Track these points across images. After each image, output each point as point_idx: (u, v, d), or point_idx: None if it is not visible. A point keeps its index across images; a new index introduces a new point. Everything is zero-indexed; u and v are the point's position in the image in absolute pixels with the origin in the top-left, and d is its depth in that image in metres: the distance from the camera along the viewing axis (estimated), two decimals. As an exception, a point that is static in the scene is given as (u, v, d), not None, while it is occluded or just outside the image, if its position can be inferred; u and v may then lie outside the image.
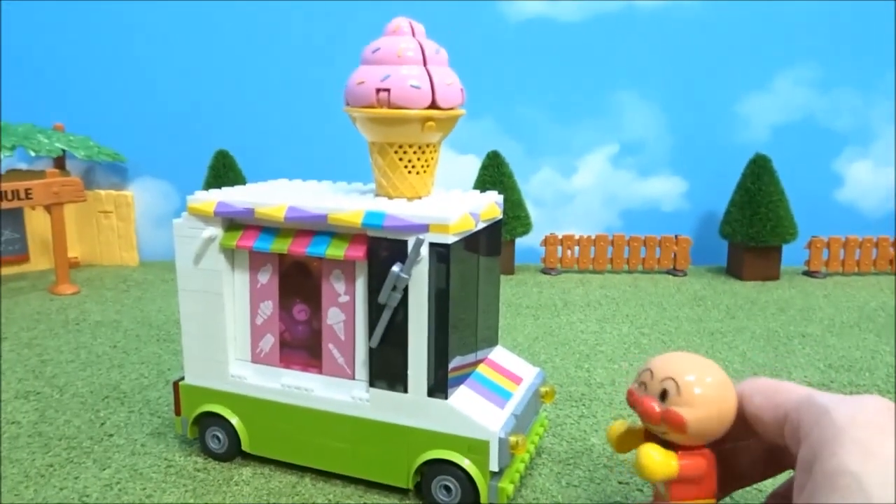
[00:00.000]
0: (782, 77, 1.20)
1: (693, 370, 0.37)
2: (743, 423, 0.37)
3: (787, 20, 1.17)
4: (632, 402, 0.39)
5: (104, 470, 0.52)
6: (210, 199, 0.50)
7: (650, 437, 0.39)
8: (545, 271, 1.15)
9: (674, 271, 1.15)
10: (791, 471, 0.38)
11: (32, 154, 1.09)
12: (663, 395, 0.37)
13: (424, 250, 0.44)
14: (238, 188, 0.54)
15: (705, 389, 0.36)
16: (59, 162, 1.19)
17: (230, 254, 0.51)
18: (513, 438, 0.45)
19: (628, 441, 0.41)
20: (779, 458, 0.39)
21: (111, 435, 0.58)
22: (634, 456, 0.38)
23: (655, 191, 1.24)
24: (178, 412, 0.55)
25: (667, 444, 0.38)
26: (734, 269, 1.14)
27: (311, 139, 1.22)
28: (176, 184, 1.25)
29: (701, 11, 1.17)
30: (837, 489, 0.28)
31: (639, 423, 0.40)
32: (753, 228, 1.08)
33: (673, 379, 0.36)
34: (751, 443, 0.40)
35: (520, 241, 1.16)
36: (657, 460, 0.36)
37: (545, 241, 1.15)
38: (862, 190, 1.23)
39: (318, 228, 0.48)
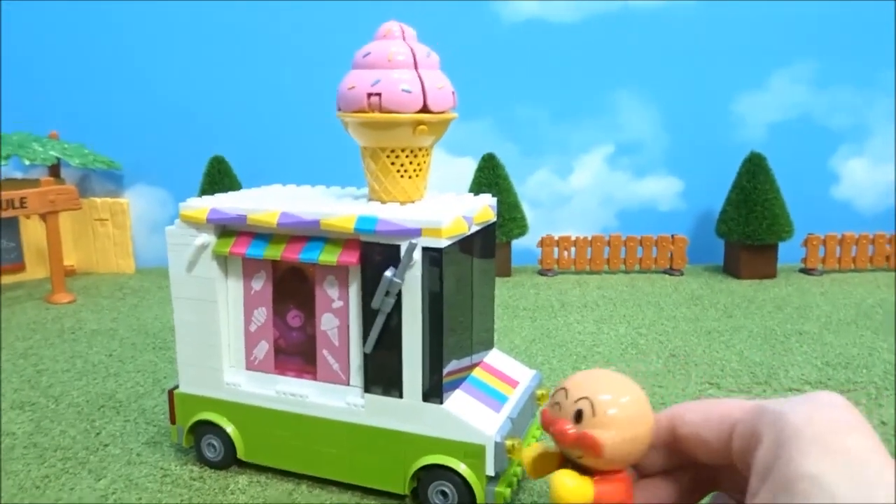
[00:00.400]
0: (778, 75, 1.20)
1: (609, 389, 0.34)
2: (672, 449, 0.35)
3: (783, 19, 1.17)
4: (545, 423, 0.35)
5: (100, 480, 0.52)
6: (202, 206, 0.50)
7: (566, 460, 0.36)
8: (542, 272, 1.15)
9: (670, 271, 1.15)
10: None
11: (27, 163, 1.09)
12: (578, 417, 0.34)
13: (417, 254, 0.44)
14: (231, 194, 0.54)
15: (622, 410, 0.33)
16: (54, 170, 1.18)
17: (223, 261, 0.51)
18: (509, 442, 0.45)
19: (544, 465, 0.38)
20: (706, 483, 0.37)
21: (107, 445, 0.57)
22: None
23: (651, 190, 1.24)
24: (173, 421, 0.54)
25: (582, 469, 0.35)
26: (731, 268, 1.14)
27: (306, 144, 1.22)
28: (172, 190, 1.25)
29: (696, 11, 1.17)
30: (797, 495, 0.27)
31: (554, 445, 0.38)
32: (750, 227, 1.08)
33: (588, 398, 0.34)
34: (675, 471, 0.37)
35: (516, 243, 1.16)
36: (570, 487, 0.34)
37: (542, 243, 1.15)
38: (858, 187, 1.23)
39: (311, 234, 0.48)
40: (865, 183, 1.23)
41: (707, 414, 0.33)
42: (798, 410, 0.29)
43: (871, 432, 0.28)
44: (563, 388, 0.35)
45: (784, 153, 1.15)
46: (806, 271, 1.15)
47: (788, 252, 1.14)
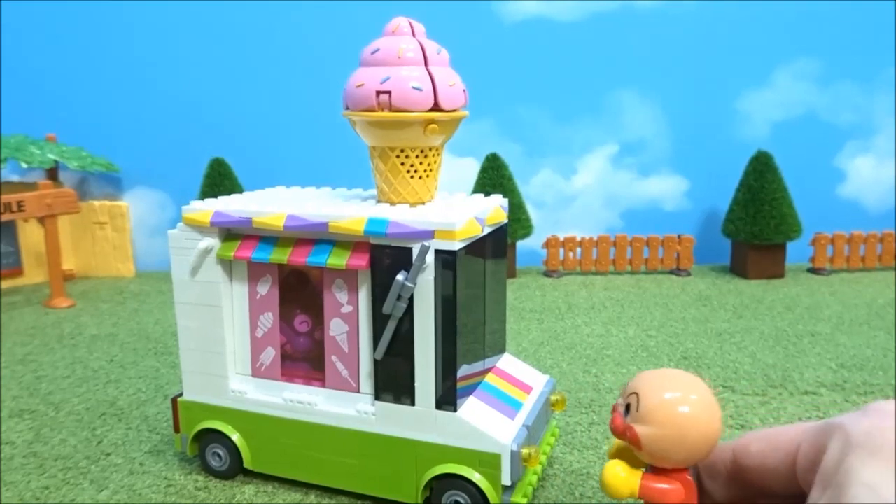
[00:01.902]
0: (782, 72, 1.18)
1: (660, 387, 0.34)
2: (736, 480, 0.35)
3: (786, 15, 1.16)
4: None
5: (101, 491, 0.50)
6: (206, 209, 0.48)
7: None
8: (547, 274, 1.14)
9: (677, 271, 1.14)
10: None
11: (24, 166, 1.08)
12: (627, 410, 0.35)
13: (430, 257, 0.43)
14: (235, 197, 0.53)
15: (664, 407, 0.34)
16: (52, 173, 1.17)
17: (228, 265, 0.50)
18: (525, 451, 0.43)
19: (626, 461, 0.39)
20: None
21: (108, 454, 0.56)
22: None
23: (657, 190, 1.23)
24: (177, 429, 0.53)
25: (647, 465, 0.36)
26: (738, 268, 1.13)
27: (310, 145, 1.20)
28: (171, 193, 1.23)
29: (699, 8, 1.16)
30: (853, 498, 0.27)
31: None
32: (757, 226, 1.07)
33: (636, 394, 0.35)
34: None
35: (521, 244, 1.14)
36: (618, 475, 0.35)
37: (547, 244, 1.14)
38: (865, 185, 1.22)
39: (318, 237, 0.47)
40: (872, 181, 1.22)
41: (773, 442, 0.33)
42: (859, 423, 0.30)
43: None
44: (626, 384, 0.37)
45: (789, 151, 1.14)
46: (814, 271, 1.13)
47: (796, 252, 1.13)
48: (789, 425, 0.34)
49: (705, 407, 0.34)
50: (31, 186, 1.05)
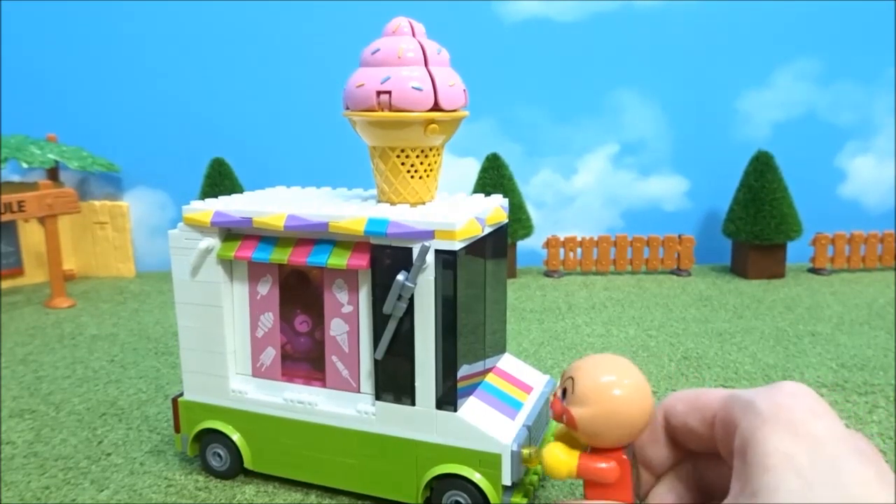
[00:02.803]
0: (782, 72, 1.18)
1: (592, 370, 0.36)
2: (670, 441, 0.37)
3: (786, 15, 1.16)
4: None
5: (102, 491, 0.50)
6: (206, 209, 0.48)
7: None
8: (548, 274, 1.14)
9: (678, 271, 1.14)
10: None
11: (25, 166, 1.08)
12: (563, 393, 0.37)
13: (430, 257, 0.43)
14: (235, 197, 0.53)
15: (599, 389, 0.35)
16: (53, 173, 1.17)
17: (228, 265, 0.50)
18: (525, 451, 0.43)
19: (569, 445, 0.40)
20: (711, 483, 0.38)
21: (109, 454, 0.56)
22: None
23: (657, 190, 1.23)
24: (177, 429, 0.53)
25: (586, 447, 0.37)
26: (739, 268, 1.13)
27: (310, 145, 1.20)
28: (172, 193, 1.23)
29: (699, 8, 1.16)
30: (770, 469, 0.30)
31: None
32: (758, 226, 1.07)
33: (572, 377, 0.36)
34: (683, 471, 0.39)
35: (521, 244, 1.14)
36: (558, 457, 0.37)
37: (547, 244, 1.14)
38: (865, 185, 1.22)
39: (318, 237, 0.47)
40: (872, 181, 1.22)
41: (695, 404, 0.36)
42: (767, 398, 0.33)
43: (833, 418, 0.31)
44: (565, 369, 0.39)
45: (789, 151, 1.13)
46: (815, 271, 1.13)
47: (796, 251, 1.13)
48: (710, 389, 0.36)
49: (636, 388, 0.36)
50: (32, 186, 1.05)
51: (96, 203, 1.18)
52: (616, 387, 0.36)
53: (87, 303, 1.02)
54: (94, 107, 1.20)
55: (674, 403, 0.37)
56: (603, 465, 0.36)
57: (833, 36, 1.16)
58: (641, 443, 0.37)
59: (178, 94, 1.20)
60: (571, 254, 1.14)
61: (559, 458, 0.37)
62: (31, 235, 1.13)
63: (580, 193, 1.23)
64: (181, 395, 0.53)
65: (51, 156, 1.11)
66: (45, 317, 0.95)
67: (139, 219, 1.23)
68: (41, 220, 0.99)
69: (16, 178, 1.19)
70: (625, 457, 0.37)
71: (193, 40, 1.18)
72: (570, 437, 0.39)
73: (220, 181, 1.13)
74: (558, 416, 0.37)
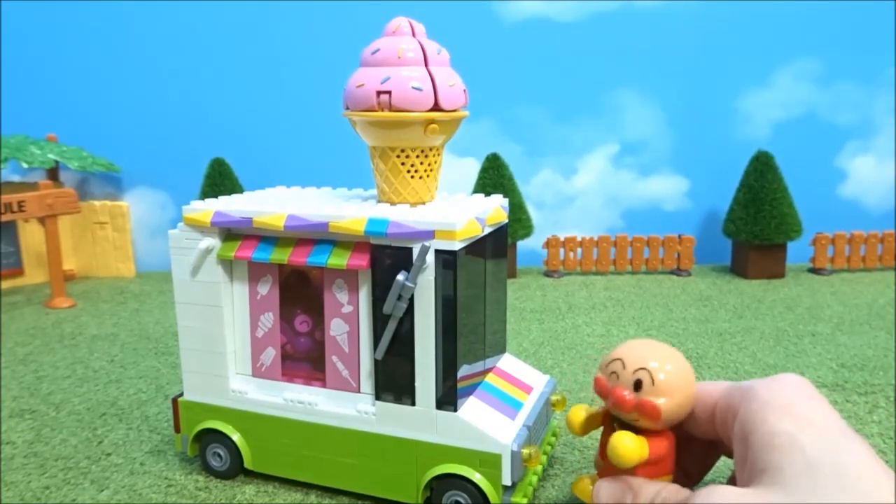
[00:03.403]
0: (782, 72, 1.18)
1: (664, 361, 0.39)
2: (678, 427, 0.41)
3: (786, 15, 1.16)
4: (601, 391, 0.41)
5: (102, 491, 0.50)
6: (206, 209, 0.48)
7: (608, 419, 0.42)
8: (548, 274, 1.14)
9: (678, 271, 1.14)
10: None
11: (25, 166, 1.08)
12: (637, 386, 0.39)
13: (430, 257, 0.43)
14: (235, 197, 0.53)
15: (676, 379, 0.38)
16: (53, 173, 1.17)
17: (228, 265, 0.50)
18: (525, 451, 0.43)
19: (589, 424, 0.44)
20: (713, 449, 0.44)
21: (109, 454, 0.56)
22: (610, 442, 0.40)
23: (657, 190, 1.23)
24: (177, 429, 0.53)
25: (629, 428, 0.40)
26: (739, 268, 1.13)
27: (310, 145, 1.20)
28: (172, 193, 1.23)
29: (699, 8, 1.16)
30: (775, 448, 0.32)
31: (595, 406, 0.44)
32: (758, 226, 1.07)
33: (647, 370, 0.38)
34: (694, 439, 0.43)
35: (521, 244, 1.14)
36: (630, 446, 0.38)
37: (547, 244, 1.14)
38: (865, 185, 1.22)
39: (318, 237, 0.47)
40: (872, 180, 1.22)
41: (698, 394, 0.40)
42: (764, 386, 0.36)
43: (824, 403, 0.34)
44: (619, 359, 0.40)
45: (789, 151, 1.13)
46: (815, 271, 1.13)
47: (796, 252, 1.13)
48: (711, 382, 0.41)
49: (690, 371, 0.40)
50: (32, 186, 1.05)
51: (96, 203, 1.18)
52: (687, 374, 0.39)
53: (87, 303, 1.02)
54: (94, 107, 1.20)
55: None
56: (666, 441, 0.40)
57: (833, 36, 1.16)
58: None
59: (179, 94, 1.20)
60: (571, 254, 1.14)
61: (630, 445, 0.38)
62: (31, 235, 1.13)
63: (580, 193, 1.23)
64: (181, 395, 0.53)
65: (51, 156, 1.11)
66: (45, 317, 0.95)
67: (139, 219, 1.23)
68: (41, 220, 0.99)
69: (16, 178, 1.19)
70: (669, 431, 0.40)
71: (194, 40, 1.18)
72: (591, 421, 0.43)
73: (220, 181, 1.13)
74: (630, 408, 0.38)
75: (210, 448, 0.52)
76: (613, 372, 0.40)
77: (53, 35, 1.18)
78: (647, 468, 0.39)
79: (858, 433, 0.34)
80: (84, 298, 1.05)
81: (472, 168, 1.17)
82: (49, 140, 1.16)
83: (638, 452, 0.38)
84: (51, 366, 0.76)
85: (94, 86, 1.20)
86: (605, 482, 0.41)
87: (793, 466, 0.31)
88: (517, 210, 1.09)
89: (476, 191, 1.10)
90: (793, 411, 0.33)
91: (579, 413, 0.43)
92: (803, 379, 0.37)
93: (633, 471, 0.39)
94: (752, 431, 0.34)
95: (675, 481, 0.41)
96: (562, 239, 1.13)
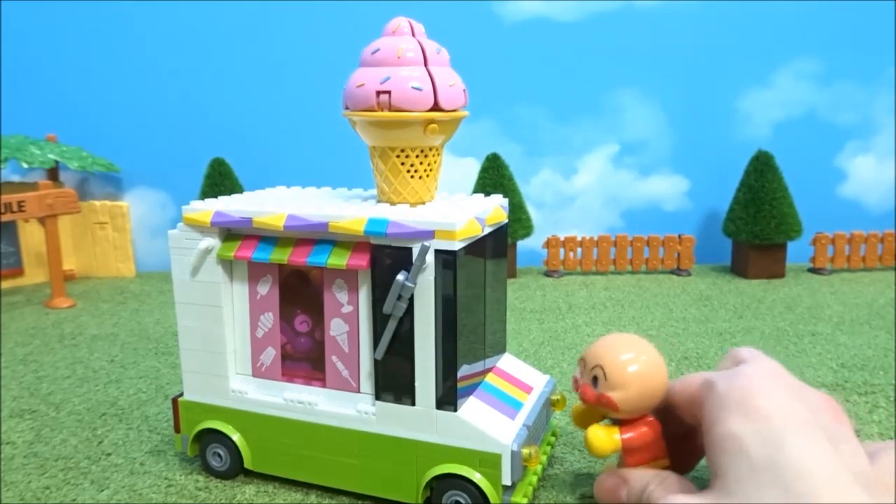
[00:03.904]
0: (782, 72, 1.18)
1: (616, 355, 0.41)
2: (674, 415, 0.43)
3: (786, 15, 1.16)
4: (575, 388, 0.44)
5: (102, 491, 0.50)
6: (206, 209, 0.48)
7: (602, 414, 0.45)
8: (548, 274, 1.14)
9: (678, 271, 1.14)
10: None
11: (25, 166, 1.08)
12: (595, 382, 0.42)
13: (430, 257, 0.43)
14: (235, 197, 0.53)
15: (629, 371, 0.41)
16: (53, 173, 1.17)
17: (228, 265, 0.50)
18: (525, 451, 0.43)
19: (590, 418, 0.46)
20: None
21: (109, 454, 0.56)
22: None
23: (657, 190, 1.23)
24: (177, 429, 0.53)
25: (616, 419, 0.43)
26: (739, 268, 1.13)
27: (310, 145, 1.20)
28: (172, 193, 1.23)
29: (699, 8, 1.16)
30: (724, 451, 0.33)
31: None
32: (758, 226, 1.07)
33: (600, 366, 0.41)
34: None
35: (521, 244, 1.14)
36: (602, 438, 0.42)
37: (547, 244, 1.14)
38: (865, 185, 1.22)
39: (318, 237, 0.47)
40: (873, 180, 1.22)
41: (684, 384, 0.42)
42: (724, 379, 0.37)
43: (782, 393, 0.34)
44: (582, 357, 0.44)
45: (789, 151, 1.13)
46: (815, 271, 1.13)
47: (796, 251, 1.13)
48: (697, 373, 0.42)
49: (655, 362, 0.42)
50: (32, 186, 1.05)
51: (96, 203, 1.18)
52: (642, 365, 0.41)
53: (87, 303, 1.02)
54: (94, 107, 1.20)
55: (674, 383, 0.43)
56: (643, 428, 0.42)
57: (833, 36, 1.16)
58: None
59: (179, 94, 1.20)
60: (571, 254, 1.14)
61: (602, 437, 0.42)
62: (31, 235, 1.13)
63: (580, 193, 1.23)
64: (181, 395, 0.53)
65: (51, 156, 1.11)
66: (45, 317, 0.95)
67: (139, 219, 1.23)
68: (41, 220, 0.99)
69: (16, 178, 1.19)
70: (651, 418, 0.42)
71: (194, 40, 1.18)
72: (588, 414, 0.45)
73: (220, 181, 1.13)
74: (594, 402, 0.42)
75: (210, 448, 0.52)
76: (581, 370, 0.44)
77: (53, 35, 1.19)
78: (637, 455, 0.42)
79: (835, 423, 0.34)
80: (84, 298, 1.05)
81: (472, 168, 1.17)
82: (49, 140, 1.16)
83: (609, 444, 0.42)
84: (51, 366, 0.76)
85: (93, 86, 1.20)
86: (603, 477, 0.43)
87: (737, 470, 0.32)
88: (517, 210, 1.09)
89: (476, 191, 1.10)
90: (745, 407, 0.34)
91: (580, 407, 0.47)
92: (766, 366, 0.37)
93: (627, 459, 0.43)
94: (706, 432, 0.35)
95: (675, 467, 0.43)
96: (562, 239, 1.13)
